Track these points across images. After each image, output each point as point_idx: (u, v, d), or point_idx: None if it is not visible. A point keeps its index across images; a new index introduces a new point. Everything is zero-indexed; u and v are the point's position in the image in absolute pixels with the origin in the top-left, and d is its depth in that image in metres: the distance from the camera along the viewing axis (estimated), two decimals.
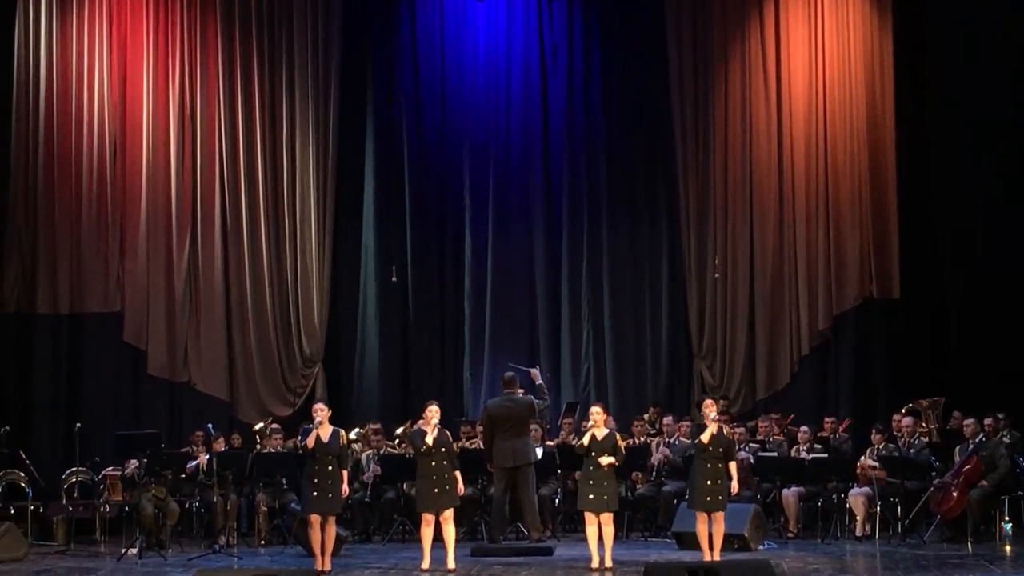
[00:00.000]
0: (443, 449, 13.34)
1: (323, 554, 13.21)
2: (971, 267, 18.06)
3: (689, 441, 15.56)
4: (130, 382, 18.26)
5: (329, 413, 13.42)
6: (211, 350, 18.36)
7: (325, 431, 13.23)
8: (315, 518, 13.21)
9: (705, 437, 13.27)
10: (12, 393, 17.93)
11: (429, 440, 13.32)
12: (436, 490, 13.31)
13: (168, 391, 18.24)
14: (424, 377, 18.90)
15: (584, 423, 15.39)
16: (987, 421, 15.22)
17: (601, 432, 13.40)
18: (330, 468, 13.19)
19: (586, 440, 13.37)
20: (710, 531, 13.20)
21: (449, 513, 13.35)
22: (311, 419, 13.52)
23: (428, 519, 13.35)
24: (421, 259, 19.06)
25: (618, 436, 13.70)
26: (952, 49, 17.99)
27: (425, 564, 13.26)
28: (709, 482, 13.18)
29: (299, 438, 14.06)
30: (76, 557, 15.00)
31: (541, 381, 15.79)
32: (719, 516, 13.20)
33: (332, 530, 13.29)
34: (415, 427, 14.92)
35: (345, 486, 13.43)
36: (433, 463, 13.33)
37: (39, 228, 18.12)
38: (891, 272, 18.13)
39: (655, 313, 18.86)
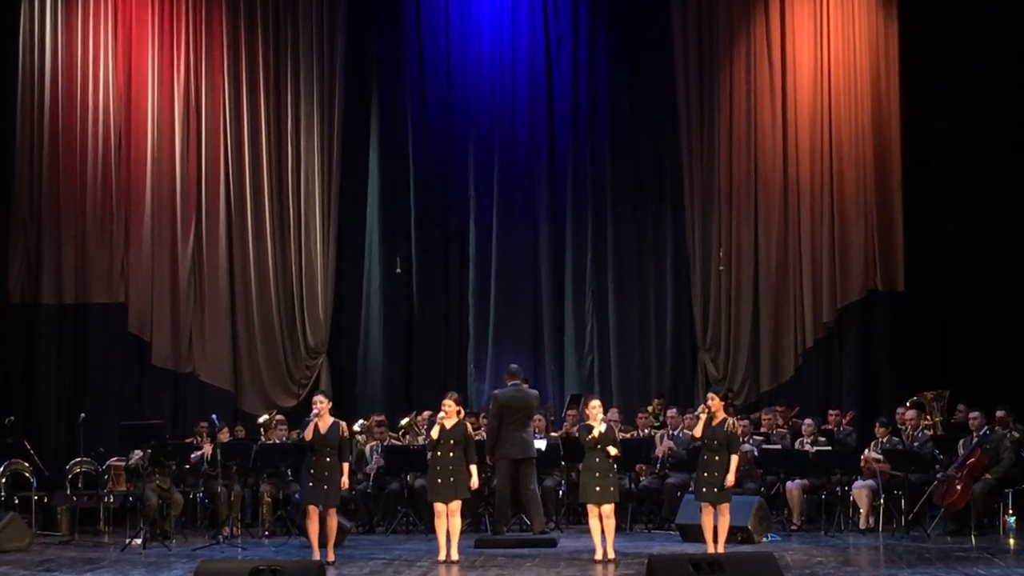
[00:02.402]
0: (451, 441, 13.34)
1: (325, 545, 13.23)
2: (976, 260, 18.08)
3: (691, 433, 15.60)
4: (134, 373, 18.28)
5: (329, 405, 13.43)
6: (215, 341, 18.37)
7: (324, 423, 13.25)
8: (312, 509, 13.24)
9: (696, 431, 13.29)
10: (17, 383, 17.97)
11: (434, 433, 13.38)
12: (440, 480, 13.35)
13: (172, 382, 18.27)
14: (428, 368, 18.90)
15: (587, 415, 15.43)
16: (999, 413, 15.21)
17: (603, 425, 13.42)
18: (328, 460, 13.20)
19: (596, 433, 13.35)
20: (715, 523, 13.18)
21: (456, 505, 13.35)
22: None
23: (438, 510, 13.38)
24: (425, 250, 19.06)
25: (614, 428, 13.71)
26: (957, 42, 17.97)
27: (442, 555, 13.29)
28: (706, 474, 13.18)
29: (300, 429, 14.09)
30: (80, 547, 15.01)
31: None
32: (724, 508, 13.17)
33: (333, 521, 13.31)
34: (429, 417, 14.97)
35: (345, 478, 13.44)
36: (439, 454, 13.37)
37: (44, 219, 18.15)
38: (896, 265, 18.11)
39: (659, 305, 18.85)
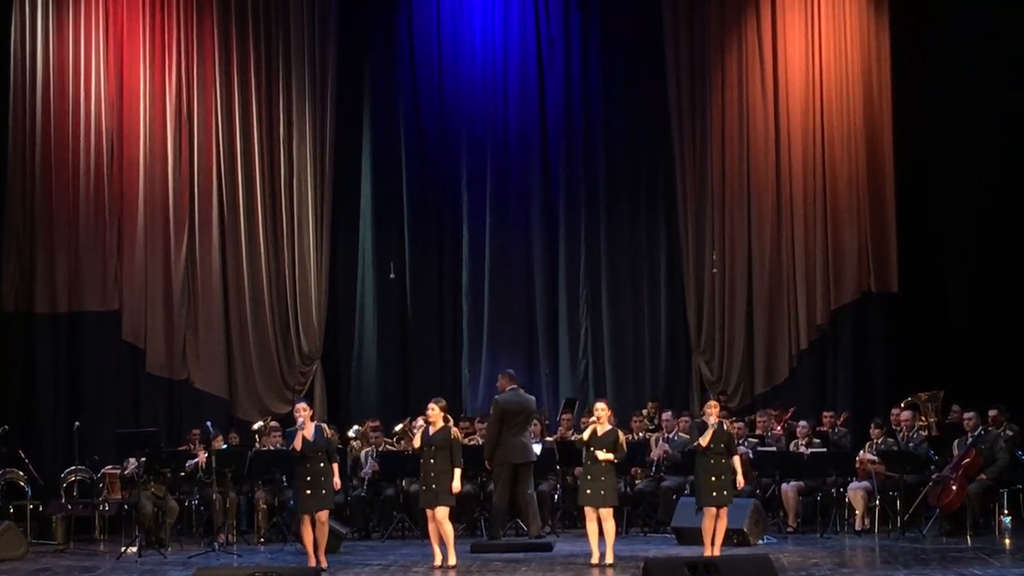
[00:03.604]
0: (432, 447, 13.35)
1: (317, 551, 13.20)
2: (969, 260, 18.08)
3: (688, 436, 15.58)
4: (129, 380, 18.26)
5: (311, 412, 13.54)
6: (210, 348, 18.36)
7: (309, 429, 13.26)
8: (307, 517, 13.21)
9: (704, 440, 13.26)
10: (11, 392, 17.92)
11: (416, 441, 13.48)
12: (424, 487, 13.43)
13: (167, 389, 18.25)
14: (422, 373, 18.89)
15: (584, 419, 15.41)
16: (992, 413, 15.21)
17: (603, 428, 13.37)
18: (321, 465, 13.21)
19: (586, 435, 13.37)
20: (713, 526, 13.19)
21: (442, 511, 13.28)
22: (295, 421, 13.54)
23: (429, 515, 13.39)
24: (419, 255, 19.06)
25: (620, 433, 13.64)
26: (948, 46, 17.99)
27: (437, 561, 13.28)
28: (713, 478, 13.17)
29: (288, 442, 14.06)
30: (75, 556, 15.00)
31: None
32: (722, 512, 13.19)
33: (324, 528, 13.28)
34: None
35: (337, 479, 13.44)
36: (422, 460, 13.45)
37: (37, 227, 18.11)
38: (889, 266, 18.13)
39: (653, 308, 18.86)
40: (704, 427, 13.35)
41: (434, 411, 13.43)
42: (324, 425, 13.56)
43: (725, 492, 13.16)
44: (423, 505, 13.50)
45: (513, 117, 19.11)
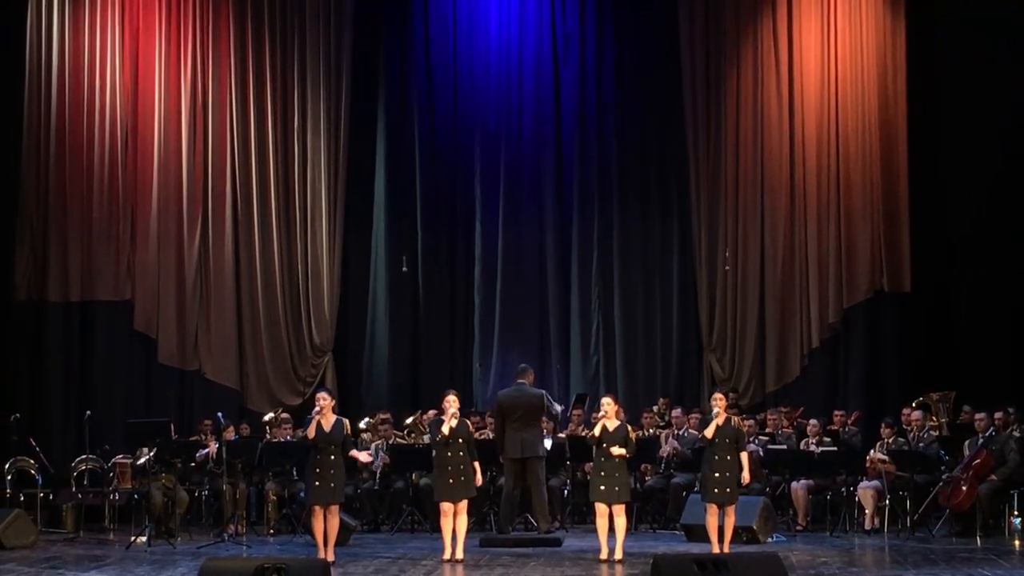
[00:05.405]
0: (460, 439, 13.30)
1: (326, 544, 13.16)
2: (982, 261, 18.05)
3: (698, 434, 15.56)
4: (140, 370, 18.31)
5: (332, 403, 13.32)
6: (221, 339, 18.40)
7: (328, 420, 13.12)
8: (318, 508, 13.17)
9: (708, 432, 13.23)
10: (23, 381, 17.98)
11: (445, 430, 13.28)
12: (451, 480, 13.29)
13: (178, 380, 18.30)
14: (434, 367, 18.92)
15: (594, 414, 15.39)
16: (997, 415, 15.20)
17: (612, 423, 13.35)
18: (332, 458, 13.09)
19: (597, 430, 13.34)
20: (721, 524, 13.16)
21: (463, 504, 13.32)
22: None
23: (445, 509, 13.31)
24: (432, 248, 19.09)
25: (629, 428, 13.62)
26: (964, 43, 17.96)
27: (447, 554, 13.23)
28: (717, 474, 13.15)
29: (302, 428, 14.04)
30: (85, 544, 15.01)
31: (556, 411, 15.80)
32: (730, 509, 13.16)
33: (335, 520, 13.18)
34: (433, 416, 14.91)
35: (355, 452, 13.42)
36: (449, 453, 13.31)
37: (50, 216, 18.16)
38: (902, 266, 18.12)
39: (665, 305, 18.87)
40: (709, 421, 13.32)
41: (455, 402, 13.38)
42: (346, 421, 13.40)
43: (728, 490, 13.08)
44: (447, 498, 13.28)
45: (527, 113, 19.13)
